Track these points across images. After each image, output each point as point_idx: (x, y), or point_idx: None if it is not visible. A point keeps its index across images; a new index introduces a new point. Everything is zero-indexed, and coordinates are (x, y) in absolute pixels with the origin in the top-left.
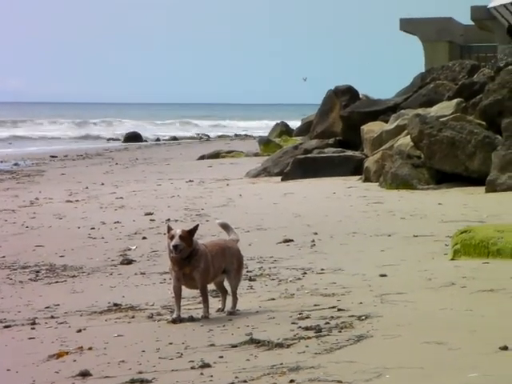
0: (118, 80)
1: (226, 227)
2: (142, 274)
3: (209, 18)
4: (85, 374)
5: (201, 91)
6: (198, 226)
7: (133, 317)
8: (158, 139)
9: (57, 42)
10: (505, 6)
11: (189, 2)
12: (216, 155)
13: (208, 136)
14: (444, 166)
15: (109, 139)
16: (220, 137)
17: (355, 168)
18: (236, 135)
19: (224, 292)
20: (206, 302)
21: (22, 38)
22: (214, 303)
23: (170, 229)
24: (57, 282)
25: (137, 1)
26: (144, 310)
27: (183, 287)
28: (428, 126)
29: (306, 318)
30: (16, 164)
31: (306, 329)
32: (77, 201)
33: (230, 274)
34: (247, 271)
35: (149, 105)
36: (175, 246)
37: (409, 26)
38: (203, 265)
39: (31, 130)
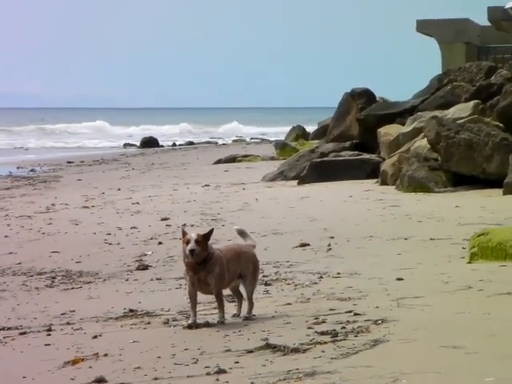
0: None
1: (242, 234)
2: (157, 279)
3: (220, 18)
4: (100, 381)
5: (216, 94)
6: (212, 230)
7: (148, 323)
8: (174, 144)
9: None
10: None
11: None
12: (232, 159)
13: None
14: (461, 169)
15: (125, 145)
16: (236, 141)
17: (372, 171)
18: (252, 139)
19: (240, 297)
20: (221, 307)
21: (34, 43)
22: (230, 308)
23: (184, 233)
24: (73, 288)
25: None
26: (160, 316)
27: (198, 292)
28: (445, 129)
29: (322, 322)
30: (32, 170)
31: (322, 333)
32: (93, 206)
33: (245, 278)
34: (263, 276)
35: (158, 109)
36: (191, 251)
37: (425, 27)
38: (218, 270)
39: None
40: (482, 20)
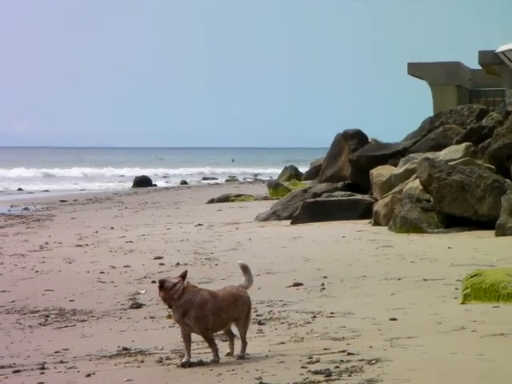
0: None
1: (245, 269)
2: (151, 317)
3: (213, 61)
4: None
5: (210, 134)
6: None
7: (142, 361)
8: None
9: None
10: None
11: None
12: (225, 199)
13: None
14: (453, 210)
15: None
16: (229, 180)
17: (364, 211)
18: (245, 179)
19: (231, 336)
20: (212, 346)
21: (32, 81)
22: (224, 347)
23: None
24: (66, 326)
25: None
26: (153, 355)
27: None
28: (437, 170)
29: (316, 361)
30: (26, 208)
31: (316, 373)
32: (86, 245)
33: (239, 321)
34: (257, 315)
35: (154, 149)
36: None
37: (417, 70)
38: (195, 313)
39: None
40: (473, 63)
